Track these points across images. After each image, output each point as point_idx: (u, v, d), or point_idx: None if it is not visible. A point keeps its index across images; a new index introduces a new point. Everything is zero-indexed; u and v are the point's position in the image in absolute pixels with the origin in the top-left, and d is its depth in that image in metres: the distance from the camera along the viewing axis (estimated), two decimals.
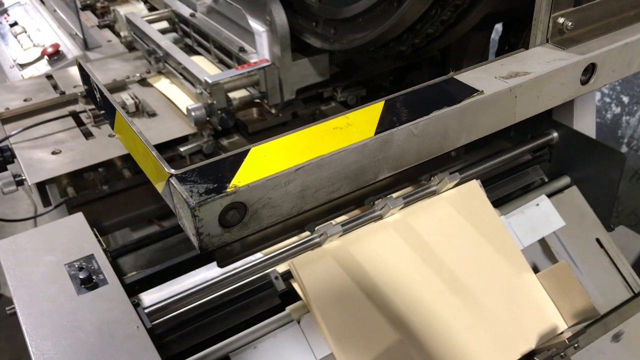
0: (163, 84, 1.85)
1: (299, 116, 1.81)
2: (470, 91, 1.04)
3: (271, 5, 1.52)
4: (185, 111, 1.65)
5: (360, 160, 0.86)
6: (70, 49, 2.16)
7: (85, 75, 1.29)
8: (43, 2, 2.63)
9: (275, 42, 1.57)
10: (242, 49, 1.67)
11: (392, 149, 0.91)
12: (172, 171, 0.85)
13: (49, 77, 1.97)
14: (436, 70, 2.10)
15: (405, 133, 0.93)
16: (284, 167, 0.76)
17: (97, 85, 1.16)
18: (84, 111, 1.72)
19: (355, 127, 0.86)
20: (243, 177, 0.76)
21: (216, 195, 0.75)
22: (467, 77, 1.10)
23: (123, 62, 2.04)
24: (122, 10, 2.44)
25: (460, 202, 1.41)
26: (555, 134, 1.59)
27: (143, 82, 1.89)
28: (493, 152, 1.73)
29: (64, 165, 1.53)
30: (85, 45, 2.13)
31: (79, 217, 1.35)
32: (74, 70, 1.99)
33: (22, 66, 2.18)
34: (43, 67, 2.13)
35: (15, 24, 2.49)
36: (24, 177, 1.56)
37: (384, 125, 0.88)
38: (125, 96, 1.73)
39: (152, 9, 2.55)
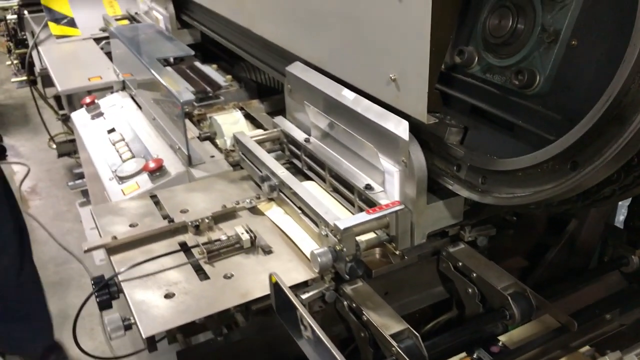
0: (276, 214, 1.74)
1: (422, 255, 1.66)
2: None
3: (410, 147, 1.40)
4: (306, 252, 1.53)
5: None
6: (173, 164, 2.09)
7: (284, 299, 1.18)
8: (140, 107, 2.61)
9: (411, 184, 1.44)
10: (368, 187, 1.55)
11: None
12: None
13: (152, 196, 1.89)
14: None
15: None
16: None
17: (310, 324, 1.07)
18: (197, 245, 1.61)
19: None
20: None
21: None
22: None
23: (228, 182, 1.95)
24: (220, 118, 2.40)
25: None
26: None
27: (253, 208, 1.79)
28: None
29: (179, 314, 1.40)
30: (189, 161, 2.06)
31: None
32: (179, 192, 1.90)
33: (122, 179, 2.12)
34: (144, 182, 2.07)
35: (113, 130, 2.46)
36: (133, 322, 1.44)
37: None
38: (240, 230, 1.61)
39: (247, 116, 2.50)
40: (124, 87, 2.86)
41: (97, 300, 1.53)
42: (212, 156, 2.13)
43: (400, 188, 1.49)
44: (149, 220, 1.75)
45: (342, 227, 1.40)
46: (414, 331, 1.34)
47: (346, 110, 1.60)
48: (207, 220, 1.69)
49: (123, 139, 2.37)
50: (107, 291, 1.53)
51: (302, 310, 1.16)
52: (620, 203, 1.98)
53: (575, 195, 1.21)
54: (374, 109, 1.51)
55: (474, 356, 1.38)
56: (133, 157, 2.23)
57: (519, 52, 1.25)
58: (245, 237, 1.60)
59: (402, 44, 1.37)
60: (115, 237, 1.64)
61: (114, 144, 2.35)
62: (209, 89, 2.66)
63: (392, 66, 1.43)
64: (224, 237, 1.62)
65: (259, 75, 2.84)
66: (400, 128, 1.42)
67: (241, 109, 2.54)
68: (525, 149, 1.25)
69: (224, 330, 1.53)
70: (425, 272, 1.68)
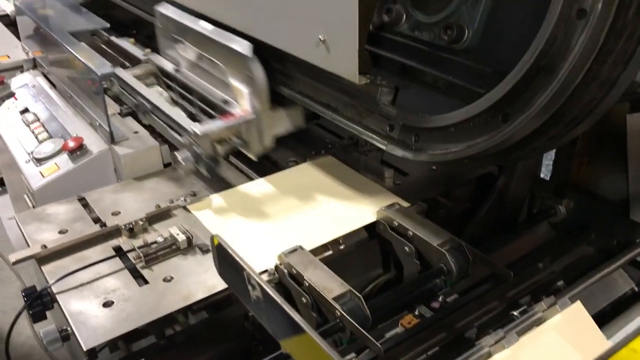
0: (206, 215, 1.67)
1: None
2: None
3: (252, 63, 1.62)
4: None
5: None
6: (94, 142, 1.99)
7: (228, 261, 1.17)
8: (54, 86, 2.46)
9: (256, 95, 1.68)
10: (225, 102, 1.77)
11: None
12: None
13: (80, 199, 1.77)
14: None
15: None
16: None
17: (258, 282, 1.06)
18: (133, 249, 1.53)
19: None
20: None
21: None
22: None
23: (159, 180, 1.86)
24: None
25: (569, 330, 1.26)
26: None
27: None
28: (576, 258, 1.61)
29: (120, 323, 1.32)
30: (112, 138, 1.96)
31: None
32: (108, 192, 1.80)
33: (40, 161, 2.00)
34: (64, 163, 1.95)
35: (26, 110, 2.31)
36: (70, 332, 1.35)
37: None
38: (175, 231, 1.54)
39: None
40: (34, 65, 2.69)
41: (30, 312, 1.43)
42: (136, 132, 2.04)
43: (250, 100, 1.69)
44: (79, 226, 1.64)
45: (199, 131, 1.64)
46: (356, 293, 1.33)
47: (205, 39, 1.78)
48: (141, 222, 1.61)
49: (38, 119, 2.24)
50: (40, 302, 1.43)
51: (249, 270, 1.13)
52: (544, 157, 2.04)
53: (509, 149, 1.23)
54: (225, 35, 1.70)
55: (416, 313, 1.39)
56: (50, 137, 2.11)
57: (447, 7, 1.24)
58: (182, 237, 1.53)
59: (330, 3, 1.34)
60: (45, 246, 1.53)
61: (28, 125, 2.21)
62: (127, 63, 2.53)
63: (320, 27, 1.39)
64: (160, 239, 1.55)
65: None
66: (244, 47, 1.63)
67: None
68: (456, 104, 1.26)
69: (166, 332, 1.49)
70: None
